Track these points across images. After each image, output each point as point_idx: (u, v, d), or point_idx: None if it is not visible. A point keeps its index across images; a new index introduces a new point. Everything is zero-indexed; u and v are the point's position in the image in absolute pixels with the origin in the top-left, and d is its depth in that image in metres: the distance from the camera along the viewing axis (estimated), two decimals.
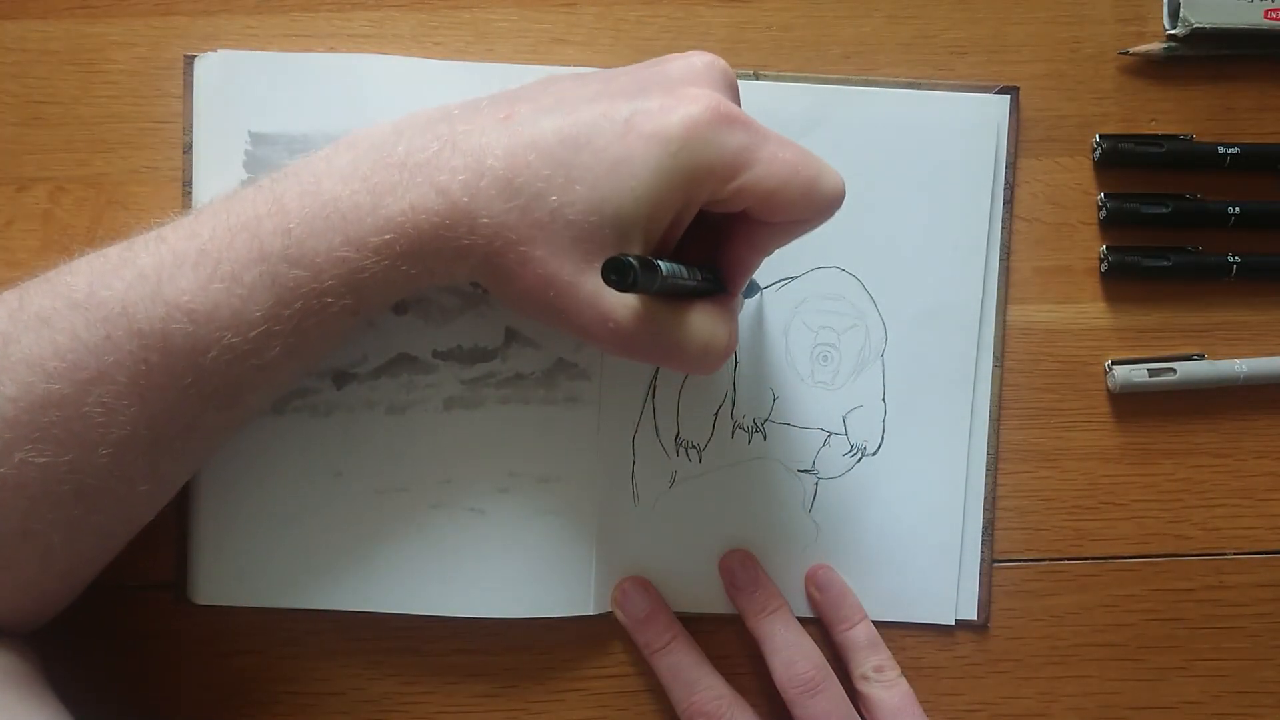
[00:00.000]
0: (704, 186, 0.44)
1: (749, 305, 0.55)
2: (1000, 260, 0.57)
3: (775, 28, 0.57)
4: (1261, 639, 0.58)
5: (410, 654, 0.56)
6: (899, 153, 0.56)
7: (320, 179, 0.44)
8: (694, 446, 0.56)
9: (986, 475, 0.57)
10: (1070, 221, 0.58)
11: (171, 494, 0.49)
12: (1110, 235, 0.58)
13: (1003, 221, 0.57)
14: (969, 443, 0.57)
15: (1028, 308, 0.57)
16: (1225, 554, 0.58)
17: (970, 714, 0.57)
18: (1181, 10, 0.56)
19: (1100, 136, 0.57)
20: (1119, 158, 0.57)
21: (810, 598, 0.56)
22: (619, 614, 0.55)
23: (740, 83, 0.55)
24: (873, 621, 0.55)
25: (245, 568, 0.54)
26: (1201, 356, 0.57)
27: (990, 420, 0.57)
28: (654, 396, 0.55)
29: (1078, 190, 0.58)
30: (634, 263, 0.39)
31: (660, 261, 0.41)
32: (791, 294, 0.56)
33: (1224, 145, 0.57)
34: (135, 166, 0.55)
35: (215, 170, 0.54)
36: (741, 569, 0.55)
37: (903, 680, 0.54)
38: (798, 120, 0.56)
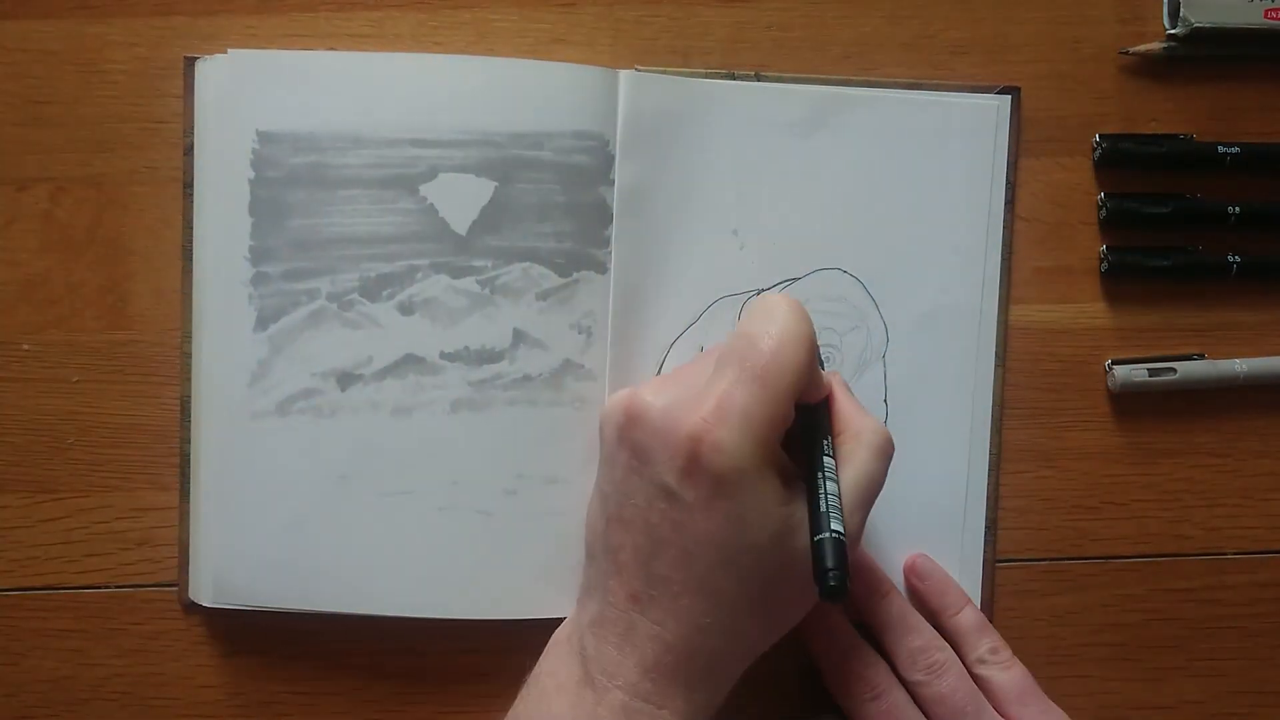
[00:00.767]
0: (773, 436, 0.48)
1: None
2: (1001, 260, 0.57)
3: (775, 28, 0.57)
4: (1261, 639, 0.58)
5: (411, 654, 0.56)
6: (900, 154, 0.56)
7: None
8: None
9: (988, 475, 0.57)
10: (1070, 221, 0.58)
11: None
12: (1110, 235, 0.58)
13: (1003, 221, 0.57)
14: (970, 443, 0.57)
15: (1028, 308, 0.57)
16: (1225, 554, 0.58)
17: None
18: (1181, 10, 0.56)
19: (1100, 136, 0.57)
20: (1119, 158, 0.57)
21: (912, 587, 0.56)
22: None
23: (740, 83, 0.55)
24: None
25: (249, 570, 0.54)
26: (1201, 356, 0.57)
27: (992, 420, 0.57)
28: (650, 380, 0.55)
29: (1078, 190, 0.58)
30: (839, 575, 0.44)
31: (836, 532, 0.46)
32: (793, 295, 0.55)
33: (1224, 145, 0.57)
34: (135, 166, 0.55)
35: (219, 171, 0.54)
36: None
37: (1018, 661, 0.55)
38: (799, 123, 0.56)
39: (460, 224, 0.53)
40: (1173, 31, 0.57)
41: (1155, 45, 0.57)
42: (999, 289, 0.57)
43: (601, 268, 0.54)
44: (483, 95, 0.53)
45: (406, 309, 0.53)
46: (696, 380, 0.48)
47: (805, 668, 0.56)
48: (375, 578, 0.54)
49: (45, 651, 0.55)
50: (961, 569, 0.57)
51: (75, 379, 0.55)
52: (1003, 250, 0.57)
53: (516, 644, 0.53)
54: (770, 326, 0.47)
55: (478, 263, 0.53)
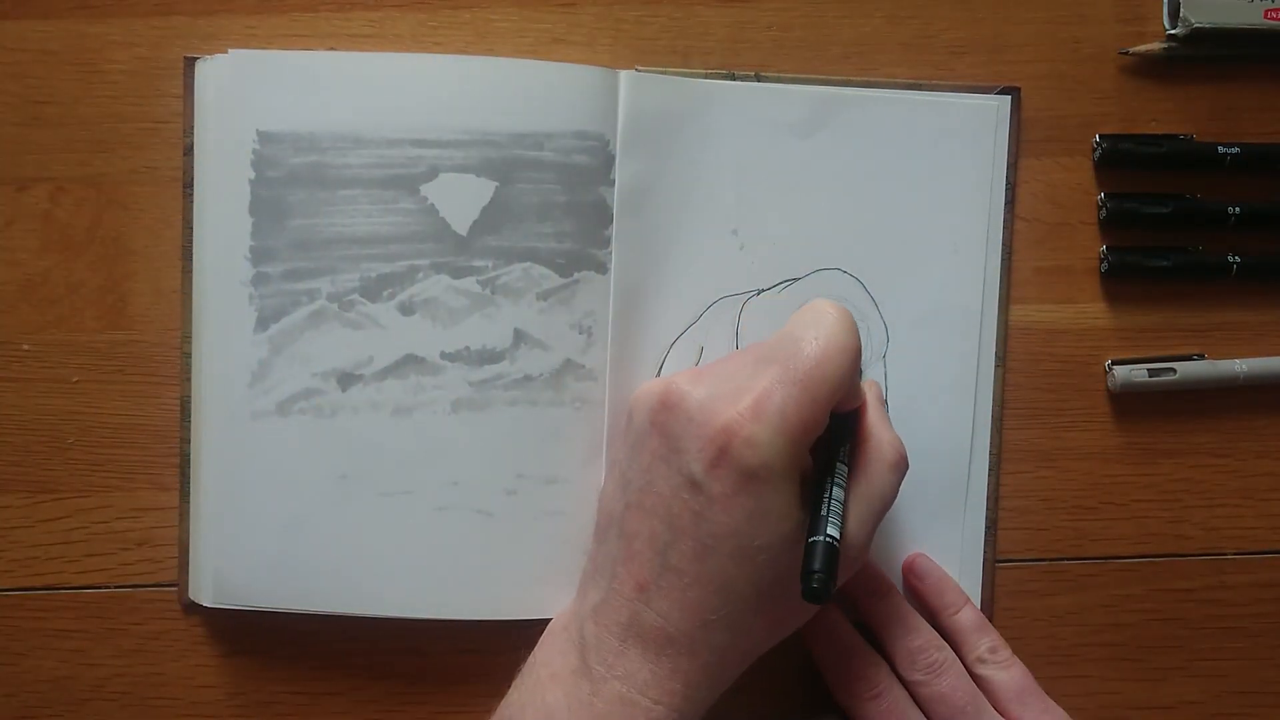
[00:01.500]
0: (804, 446, 0.48)
1: (764, 304, 0.56)
2: (1001, 260, 0.57)
3: (775, 28, 0.57)
4: (1261, 639, 0.58)
5: (412, 655, 0.56)
6: (900, 154, 0.56)
7: None
8: None
9: (988, 475, 0.57)
10: (1070, 221, 0.58)
11: None
12: (1110, 235, 0.58)
13: (1003, 221, 0.57)
14: (971, 443, 0.57)
15: (1028, 308, 0.57)
16: (1225, 554, 0.58)
17: None
18: (1181, 10, 0.56)
19: (1100, 136, 0.57)
20: (1119, 158, 0.57)
21: (911, 586, 0.56)
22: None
23: (740, 83, 0.55)
24: None
25: (249, 570, 0.54)
26: (1201, 356, 0.57)
27: (992, 420, 0.57)
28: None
29: (1078, 190, 0.58)
30: (823, 579, 0.45)
31: (827, 539, 0.46)
32: (794, 295, 0.56)
33: (1224, 145, 0.57)
34: (135, 166, 0.55)
35: (219, 171, 0.54)
36: None
37: (1017, 660, 0.55)
38: (799, 123, 0.56)
39: (461, 224, 0.53)
40: (1173, 31, 0.57)
41: (1155, 45, 0.57)
42: (999, 289, 0.57)
43: (602, 268, 0.54)
44: (483, 95, 0.53)
45: (407, 309, 0.53)
46: (735, 375, 0.48)
47: (805, 667, 0.56)
48: (375, 578, 0.54)
49: (45, 651, 0.55)
50: (961, 569, 0.57)
51: (75, 379, 0.55)
52: (1003, 250, 0.57)
53: (516, 644, 0.53)
54: (819, 332, 0.48)
55: (478, 263, 0.53)
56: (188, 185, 0.55)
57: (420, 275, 0.53)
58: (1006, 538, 0.57)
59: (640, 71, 0.55)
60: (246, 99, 0.53)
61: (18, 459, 0.55)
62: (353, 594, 0.54)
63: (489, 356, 0.54)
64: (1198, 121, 0.58)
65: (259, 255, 0.53)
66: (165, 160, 0.55)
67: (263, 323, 0.53)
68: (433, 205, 0.53)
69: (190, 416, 0.55)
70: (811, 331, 0.48)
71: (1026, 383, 0.57)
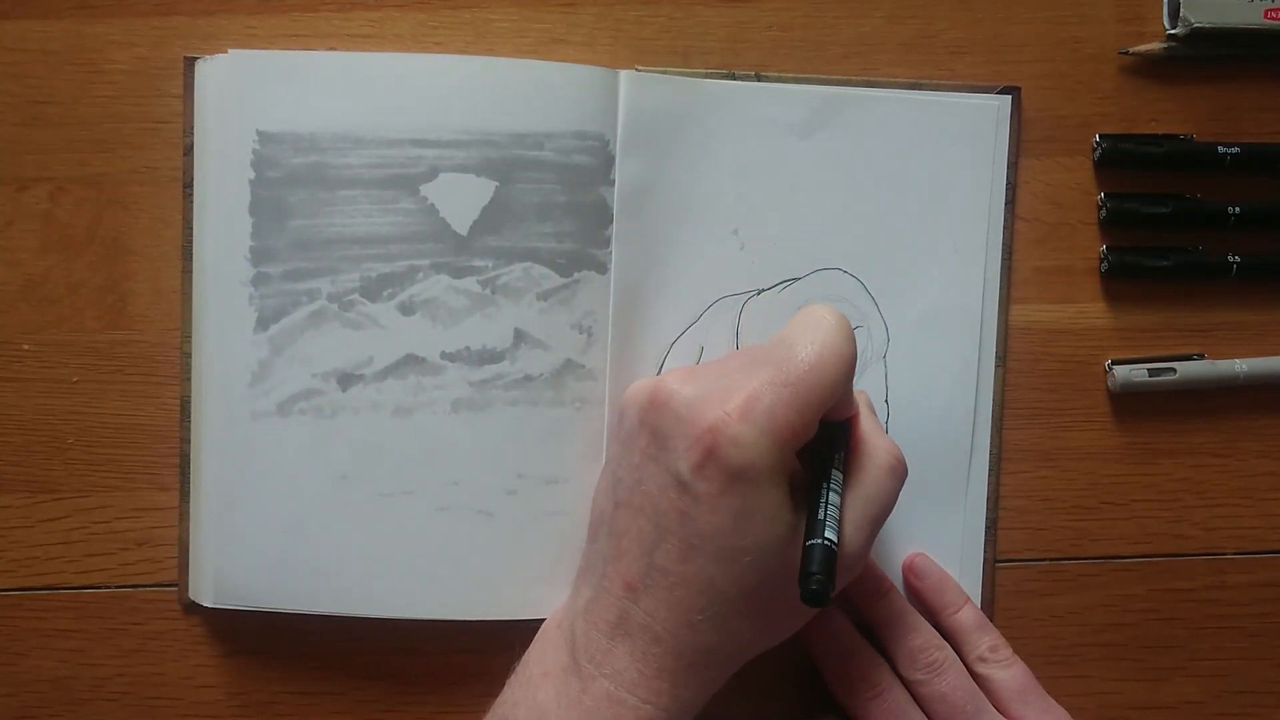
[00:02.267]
0: (793, 448, 0.48)
1: (764, 304, 0.56)
2: (1001, 260, 0.57)
3: (775, 28, 0.57)
4: (1261, 639, 0.58)
5: (412, 655, 0.56)
6: (900, 154, 0.56)
7: None
8: None
9: (988, 475, 0.57)
10: (1070, 221, 0.58)
11: None
12: (1110, 235, 0.58)
13: (1003, 221, 0.57)
14: (970, 443, 0.57)
15: (1028, 308, 0.57)
16: (1225, 554, 0.58)
17: None
18: (1181, 10, 0.56)
19: (1100, 136, 0.57)
20: (1119, 158, 0.57)
21: (910, 586, 0.56)
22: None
23: (740, 83, 0.55)
24: None
25: (249, 571, 0.54)
26: (1201, 356, 0.57)
27: (992, 420, 0.57)
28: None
29: (1078, 190, 0.58)
30: (822, 582, 0.44)
31: (828, 539, 0.46)
32: (794, 295, 0.56)
33: (1224, 145, 0.57)
34: (135, 166, 0.55)
35: (219, 171, 0.54)
36: None
37: (1018, 659, 0.55)
38: (799, 123, 0.56)
39: (461, 224, 0.53)
40: (1173, 31, 0.57)
41: (1155, 45, 0.57)
42: (999, 289, 0.57)
43: (602, 268, 0.54)
44: (483, 95, 0.53)
45: (407, 309, 0.53)
46: (726, 375, 0.48)
47: (806, 667, 0.56)
48: (375, 578, 0.54)
49: (45, 651, 0.55)
50: (961, 569, 0.57)
51: (75, 379, 0.55)
52: (1003, 250, 0.57)
53: (516, 644, 0.53)
54: (814, 338, 0.47)
55: (478, 263, 0.53)
56: (188, 185, 0.55)
57: (420, 275, 0.53)
58: (1006, 537, 0.57)
59: (640, 71, 0.55)
60: (246, 99, 0.53)
61: (18, 459, 0.55)
62: (353, 594, 0.54)
63: (489, 356, 0.54)
64: (1198, 121, 0.58)
65: (259, 255, 0.53)
66: (165, 160, 0.55)
67: (263, 323, 0.53)
68: (433, 205, 0.53)
69: (190, 416, 0.55)
70: (808, 336, 0.48)
71: (1026, 383, 0.57)
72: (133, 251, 0.55)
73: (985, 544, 0.57)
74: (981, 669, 0.54)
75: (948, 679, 0.53)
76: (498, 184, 0.53)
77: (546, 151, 0.53)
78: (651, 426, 0.48)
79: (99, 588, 0.55)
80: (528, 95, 0.53)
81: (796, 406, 0.46)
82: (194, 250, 0.55)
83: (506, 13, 0.56)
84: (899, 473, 0.50)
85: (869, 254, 0.56)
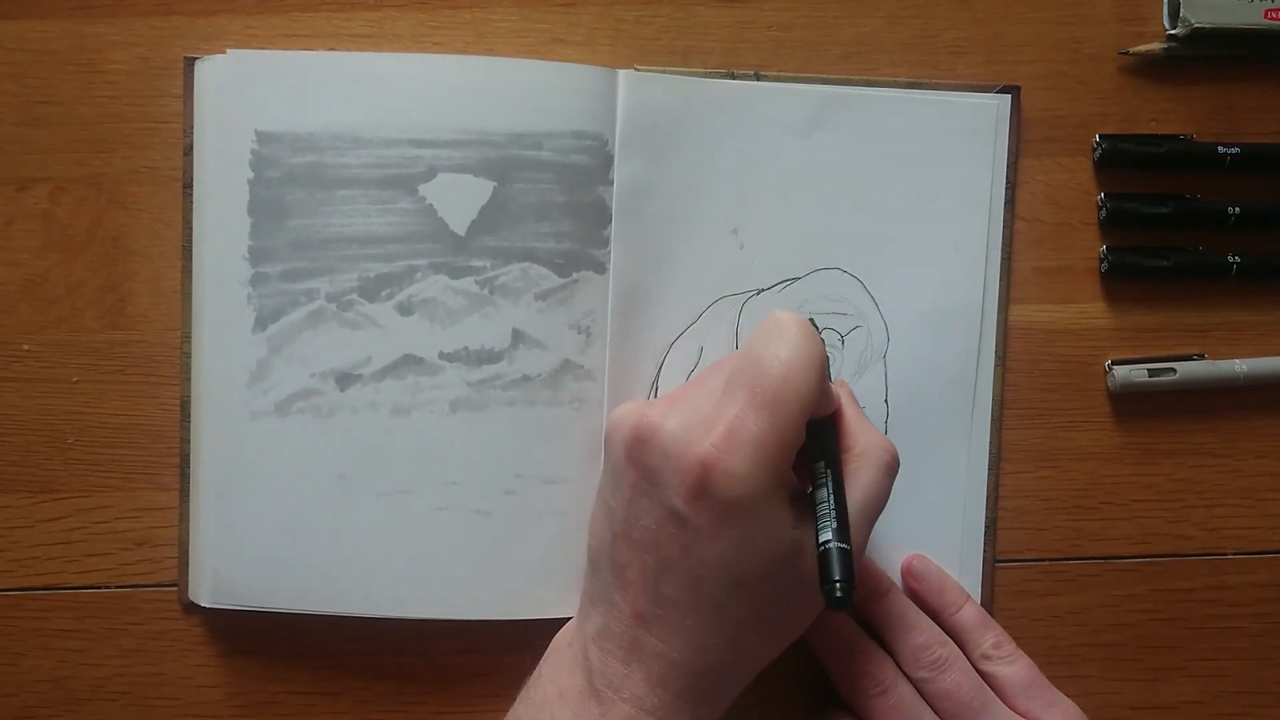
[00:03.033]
0: (787, 459, 0.48)
1: (764, 304, 0.56)
2: (1001, 260, 0.57)
3: (775, 28, 0.57)
4: (1261, 639, 0.58)
5: (411, 655, 0.56)
6: (900, 153, 0.56)
7: None
8: None
9: (988, 475, 0.57)
10: (1070, 221, 0.58)
11: None
12: (1110, 235, 0.58)
13: (1003, 221, 0.57)
14: (970, 443, 0.57)
15: (1028, 308, 0.57)
16: (1225, 554, 0.58)
17: None
18: (1181, 10, 0.56)
19: (1100, 136, 0.57)
20: (1119, 158, 0.57)
21: (910, 588, 0.56)
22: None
23: (740, 83, 0.55)
24: None
25: (248, 571, 0.54)
26: (1201, 356, 0.57)
27: (992, 420, 0.57)
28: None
29: (1078, 190, 0.58)
30: (844, 587, 0.44)
31: (840, 545, 0.46)
32: (793, 295, 0.56)
33: (1224, 145, 0.57)
34: (135, 166, 0.55)
35: (218, 171, 0.54)
36: None
37: (1022, 654, 0.55)
38: (799, 122, 0.56)
39: (459, 224, 0.53)
40: (1173, 31, 0.57)
41: (1155, 45, 0.57)
42: (999, 289, 0.57)
43: (600, 268, 0.54)
44: (480, 95, 0.53)
45: (405, 309, 0.53)
46: (704, 401, 0.48)
47: (810, 666, 0.56)
48: (374, 578, 0.54)
49: (45, 651, 0.56)
50: (961, 569, 0.57)
51: (75, 379, 0.55)
52: (1003, 250, 0.57)
53: (516, 644, 0.53)
54: (780, 349, 0.47)
55: (476, 263, 0.53)
56: (187, 185, 0.55)
57: (419, 275, 0.53)
58: (1006, 538, 0.57)
59: (639, 71, 0.55)
60: (245, 99, 0.53)
61: (18, 459, 0.55)
62: (352, 594, 0.54)
63: (487, 356, 0.54)
64: (1198, 121, 0.58)
65: (257, 255, 0.53)
66: (165, 160, 0.55)
67: (261, 323, 0.53)
68: (431, 205, 0.53)
69: (190, 416, 0.55)
70: (773, 349, 0.47)
71: (1026, 382, 0.57)
72: (133, 251, 0.55)
73: (985, 544, 0.57)
74: (986, 666, 0.54)
75: (952, 675, 0.53)
76: (496, 184, 0.53)
77: (544, 151, 0.53)
78: (638, 462, 0.48)
79: (99, 588, 0.56)
80: (525, 95, 0.54)
81: (778, 425, 0.46)
82: (193, 250, 0.55)
83: (506, 13, 0.56)
84: (892, 469, 0.50)
85: (869, 254, 0.56)
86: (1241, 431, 0.58)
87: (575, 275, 0.54)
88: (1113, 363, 0.57)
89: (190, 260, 0.55)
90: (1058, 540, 0.58)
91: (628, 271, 0.55)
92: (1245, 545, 0.58)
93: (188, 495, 0.55)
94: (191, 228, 0.55)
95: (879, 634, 0.55)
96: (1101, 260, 0.57)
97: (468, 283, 0.53)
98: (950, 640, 0.54)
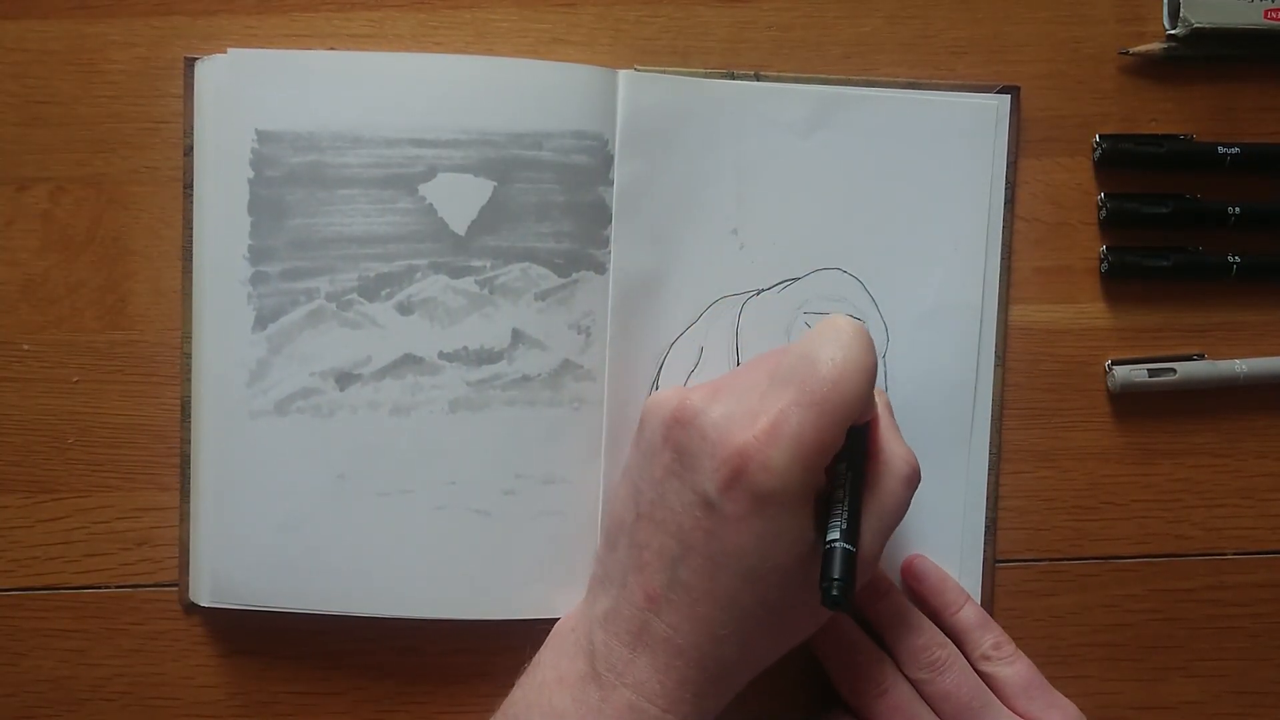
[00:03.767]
0: (821, 464, 0.47)
1: (764, 304, 0.56)
2: (1001, 260, 0.57)
3: (775, 28, 0.57)
4: (1261, 639, 0.58)
5: (411, 654, 0.56)
6: (899, 153, 0.56)
7: None
8: None
9: (988, 475, 0.57)
10: (1070, 221, 0.58)
11: None
12: (1110, 235, 0.58)
13: (1003, 221, 0.57)
14: (970, 443, 0.57)
15: (1028, 308, 0.57)
16: (1225, 554, 0.58)
17: None
18: (1181, 10, 0.56)
19: (1100, 136, 0.57)
20: (1119, 158, 0.57)
21: (910, 588, 0.56)
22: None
23: (740, 83, 0.55)
24: None
25: (247, 570, 0.54)
26: (1201, 356, 0.57)
27: (992, 420, 0.57)
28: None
29: (1078, 190, 0.58)
30: (842, 587, 0.45)
31: (845, 546, 0.46)
32: (793, 295, 0.56)
33: (1224, 145, 0.57)
34: (135, 166, 0.55)
35: (218, 170, 0.54)
36: None
37: (1022, 655, 0.55)
38: (799, 123, 0.56)
39: (459, 224, 0.54)
40: (1173, 31, 0.57)
41: (1155, 45, 0.57)
42: (999, 289, 0.57)
43: (600, 268, 0.54)
44: (481, 95, 0.53)
45: (405, 309, 0.53)
46: (750, 393, 0.48)
47: (811, 667, 0.56)
48: (373, 577, 0.54)
49: (45, 651, 0.56)
50: (961, 569, 0.57)
51: (75, 379, 0.55)
52: (1002, 250, 0.57)
53: (516, 644, 0.53)
54: (835, 353, 0.47)
55: (476, 263, 0.53)
56: (188, 185, 0.55)
57: (418, 275, 0.53)
58: (1006, 538, 0.57)
59: (639, 71, 0.55)
60: (245, 98, 0.53)
61: (18, 459, 0.55)
62: (351, 594, 0.54)
63: (487, 356, 0.54)
64: (1198, 121, 0.58)
65: (257, 254, 0.53)
66: (165, 160, 0.55)
67: (261, 322, 0.53)
68: (431, 205, 0.53)
69: (190, 416, 0.55)
70: (828, 350, 0.47)
71: (1026, 382, 0.57)
72: (133, 251, 0.55)
73: (985, 544, 0.57)
74: (986, 667, 0.54)
75: (952, 676, 0.53)
76: (496, 184, 0.53)
77: (544, 151, 0.54)
78: (675, 444, 0.48)
79: (99, 588, 0.56)
80: (525, 95, 0.54)
81: (822, 426, 0.46)
82: (193, 249, 0.55)
83: (506, 13, 0.56)
84: (913, 482, 0.50)
85: (868, 254, 0.56)
86: (1241, 431, 0.58)
87: (575, 275, 0.54)
88: (1113, 363, 0.57)
89: (190, 260, 0.55)
90: (1058, 540, 0.58)
91: (627, 272, 0.55)
92: (1245, 545, 0.58)
93: (188, 495, 0.55)
94: (192, 228, 0.55)
95: (879, 634, 0.55)
96: (1101, 260, 0.57)
97: (468, 282, 0.53)
98: (950, 641, 0.54)
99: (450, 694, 0.56)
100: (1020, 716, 0.53)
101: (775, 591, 0.47)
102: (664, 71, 0.56)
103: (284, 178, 0.53)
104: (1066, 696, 0.54)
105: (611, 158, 0.54)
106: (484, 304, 0.54)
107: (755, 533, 0.46)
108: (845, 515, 0.47)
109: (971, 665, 0.54)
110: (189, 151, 0.55)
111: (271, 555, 0.54)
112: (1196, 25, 0.56)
